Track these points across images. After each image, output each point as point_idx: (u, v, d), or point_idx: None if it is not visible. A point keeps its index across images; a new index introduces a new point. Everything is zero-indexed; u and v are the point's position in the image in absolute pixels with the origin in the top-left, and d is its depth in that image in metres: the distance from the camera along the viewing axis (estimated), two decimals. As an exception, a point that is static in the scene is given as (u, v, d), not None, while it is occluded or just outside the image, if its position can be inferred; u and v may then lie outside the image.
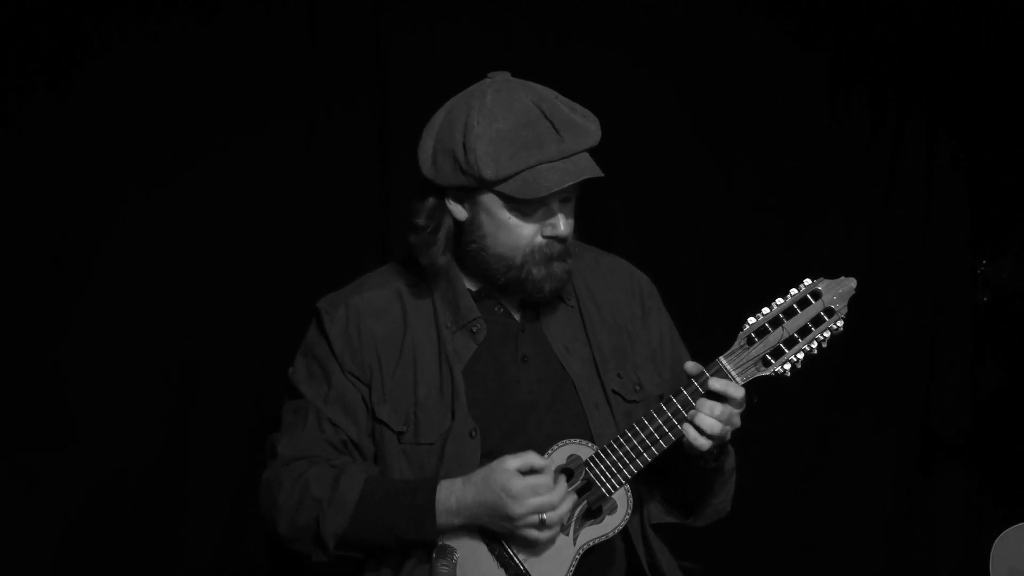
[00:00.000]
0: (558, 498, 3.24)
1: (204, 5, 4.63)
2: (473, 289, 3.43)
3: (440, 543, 3.27)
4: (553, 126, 3.29)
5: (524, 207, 3.31)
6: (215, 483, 4.64)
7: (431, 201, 3.38)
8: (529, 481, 3.22)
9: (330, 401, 3.39)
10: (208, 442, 4.65)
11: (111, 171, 4.59)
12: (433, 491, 3.27)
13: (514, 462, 3.23)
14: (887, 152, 5.13)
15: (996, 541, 4.27)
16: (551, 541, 3.29)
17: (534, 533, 3.25)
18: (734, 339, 3.27)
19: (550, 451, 3.30)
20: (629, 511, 3.31)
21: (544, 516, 3.24)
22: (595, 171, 3.30)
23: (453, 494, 3.26)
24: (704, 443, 3.26)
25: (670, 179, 4.99)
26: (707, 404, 3.26)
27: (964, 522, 5.08)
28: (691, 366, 3.28)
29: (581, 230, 3.42)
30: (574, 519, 3.29)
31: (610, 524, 3.31)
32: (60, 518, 4.56)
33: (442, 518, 3.27)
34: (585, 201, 3.41)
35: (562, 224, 3.33)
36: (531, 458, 3.24)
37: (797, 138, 5.07)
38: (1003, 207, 5.02)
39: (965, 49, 5.06)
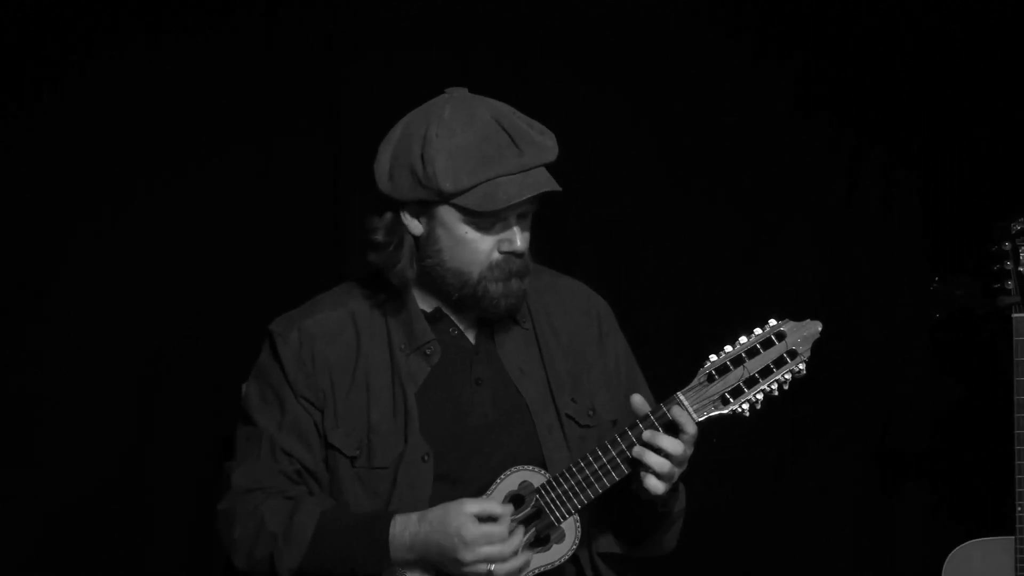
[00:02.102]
0: (510, 550, 3.23)
1: (159, 28, 4.63)
2: (427, 310, 3.42)
3: (390, 567, 3.27)
4: (512, 140, 3.29)
5: (482, 221, 3.31)
6: (178, 497, 4.65)
7: (388, 217, 3.37)
8: (484, 529, 3.21)
9: (284, 428, 3.37)
10: (168, 458, 4.65)
11: (70, 191, 4.59)
12: (387, 525, 3.26)
13: (473, 507, 3.22)
14: (845, 171, 5.13)
15: (948, 557, 4.29)
16: None
17: None
18: (694, 375, 3.26)
19: (502, 476, 3.30)
20: (577, 541, 3.31)
21: (493, 568, 3.23)
22: (553, 185, 3.30)
23: (408, 529, 3.25)
24: (658, 486, 3.25)
25: (629, 198, 4.99)
26: (665, 439, 3.24)
27: (922, 539, 5.09)
28: (637, 402, 3.28)
29: (540, 251, 3.42)
30: (521, 546, 3.28)
31: (557, 552, 3.31)
32: (23, 537, 4.57)
33: (396, 552, 3.26)
34: (544, 221, 3.41)
35: (519, 239, 3.33)
36: (490, 505, 3.23)
37: (756, 157, 5.07)
38: (958, 226, 5.02)
39: (924, 69, 5.06)
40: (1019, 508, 4.16)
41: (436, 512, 3.24)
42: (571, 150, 3.42)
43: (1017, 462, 4.17)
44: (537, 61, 4.87)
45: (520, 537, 3.26)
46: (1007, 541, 4.19)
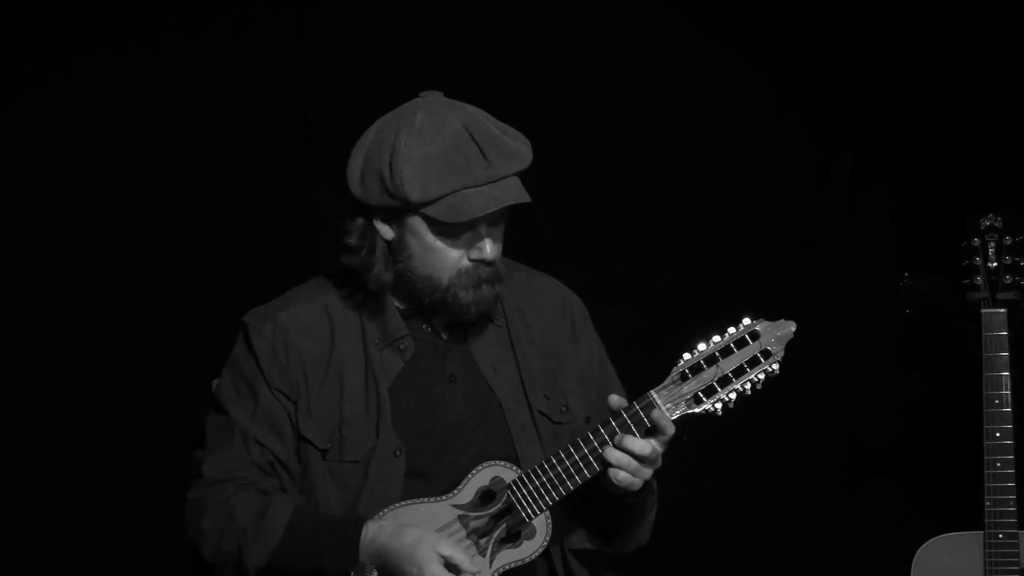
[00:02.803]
0: None
1: (129, 30, 4.63)
2: (401, 307, 3.42)
3: (358, 564, 3.28)
4: (481, 150, 3.29)
5: (450, 230, 3.31)
6: (152, 494, 4.64)
7: (360, 221, 3.37)
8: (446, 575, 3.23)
9: (257, 419, 3.37)
10: (140, 456, 4.64)
11: (41, 191, 4.59)
12: (359, 530, 3.27)
13: (445, 549, 3.23)
14: (816, 169, 5.14)
15: (918, 552, 4.30)
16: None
17: None
18: (667, 373, 3.27)
19: (474, 471, 3.31)
20: (548, 538, 3.32)
21: None
22: (522, 197, 3.30)
23: (378, 538, 3.26)
24: (630, 481, 3.27)
25: (601, 197, 4.99)
26: (636, 442, 3.25)
27: (892, 534, 5.10)
28: (615, 401, 3.28)
29: (514, 249, 3.42)
30: (492, 542, 3.29)
31: (527, 549, 3.32)
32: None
33: (362, 557, 3.27)
34: (519, 221, 3.41)
35: (489, 248, 3.33)
36: (461, 557, 3.24)
37: (728, 155, 5.07)
38: (929, 222, 5.03)
39: (895, 67, 5.07)
40: (988, 503, 4.18)
41: (412, 534, 3.24)
42: (545, 149, 3.41)
43: (986, 457, 4.19)
44: (510, 60, 4.87)
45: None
46: (976, 536, 4.21)
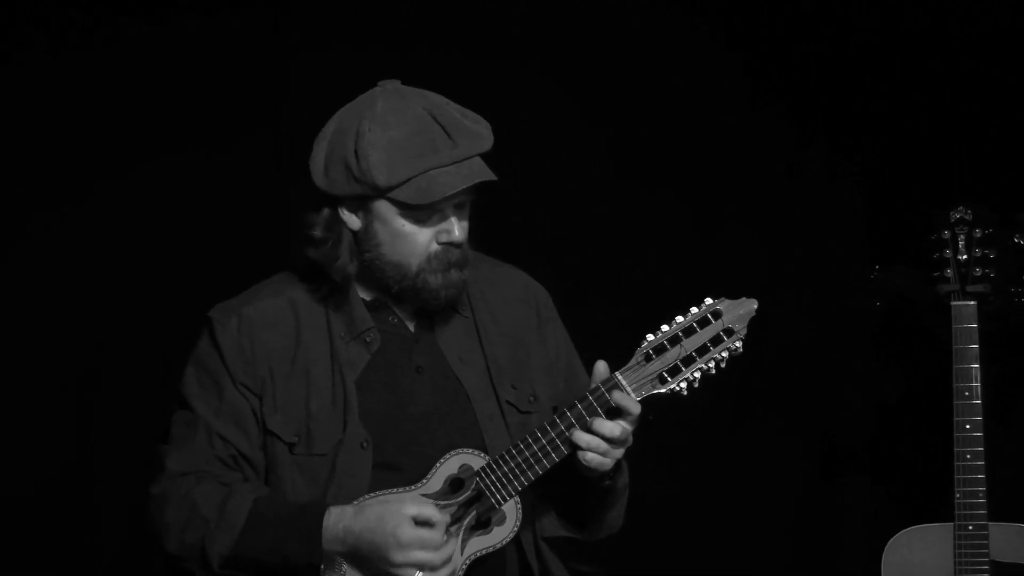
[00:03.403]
0: (440, 560, 3.24)
1: (101, 24, 4.64)
2: (367, 299, 3.42)
3: (329, 561, 3.27)
4: (445, 131, 3.30)
5: (418, 213, 3.31)
6: (124, 490, 4.55)
7: (326, 212, 3.37)
8: (420, 533, 3.22)
9: (221, 414, 3.37)
10: (114, 453, 4.64)
11: (11, 186, 4.59)
12: (321, 515, 3.26)
13: (412, 509, 3.23)
14: (788, 161, 5.15)
15: (888, 544, 4.31)
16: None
17: None
18: (632, 355, 3.28)
19: (442, 460, 3.31)
20: (518, 523, 3.31)
21: (421, 575, 3.24)
22: (488, 175, 3.31)
23: (341, 521, 3.25)
24: (600, 462, 3.27)
25: (566, 186, 5.00)
26: (606, 424, 3.26)
27: (863, 526, 5.11)
28: (602, 367, 3.30)
29: (480, 241, 3.42)
30: (462, 529, 3.29)
31: (498, 535, 3.31)
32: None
33: (327, 544, 3.26)
34: (484, 211, 3.41)
35: (456, 229, 3.34)
36: (430, 510, 3.24)
37: (698, 146, 5.08)
38: (900, 215, 5.04)
39: (867, 61, 5.08)
40: (958, 495, 4.19)
41: (375, 509, 3.24)
42: (514, 140, 3.45)
43: (956, 449, 4.19)
44: (480, 53, 4.88)
45: (453, 546, 3.27)
46: (946, 527, 4.22)
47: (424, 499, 3.26)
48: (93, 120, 4.64)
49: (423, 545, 3.22)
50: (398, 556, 3.22)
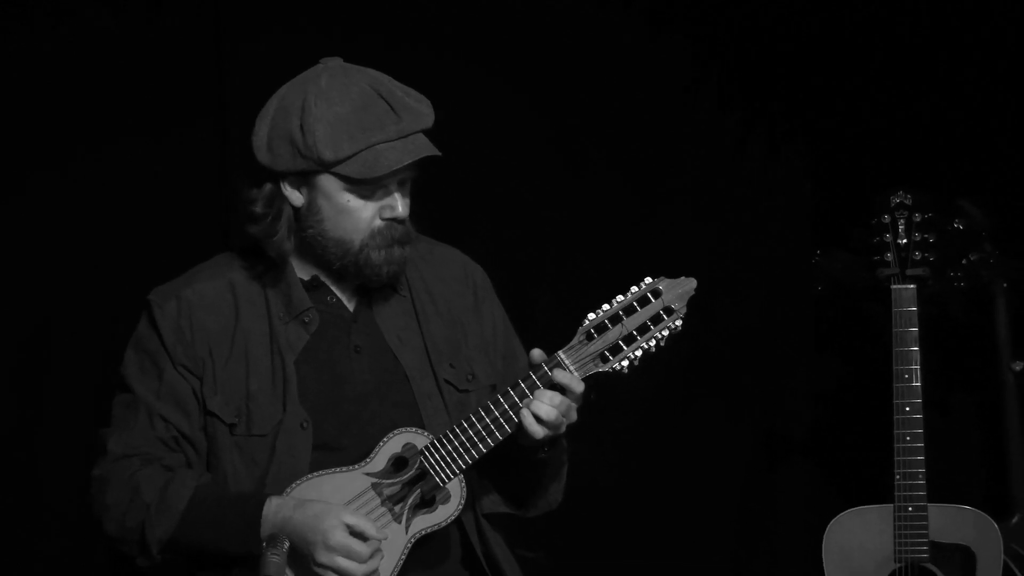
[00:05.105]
0: (362, 573, 3.24)
1: (42, 10, 4.62)
2: (305, 279, 3.43)
3: (271, 532, 3.26)
4: (390, 107, 3.31)
5: (363, 188, 3.32)
6: (67, 479, 4.54)
7: (268, 188, 3.37)
8: (349, 542, 3.23)
9: (162, 396, 3.37)
10: (55, 435, 4.62)
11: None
12: (261, 504, 3.27)
13: (349, 518, 3.24)
14: (731, 145, 5.17)
15: (829, 525, 4.35)
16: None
17: None
18: (574, 334, 3.28)
19: (385, 439, 3.31)
20: (462, 501, 3.32)
21: None
22: (432, 150, 3.33)
23: (280, 512, 3.26)
24: (539, 431, 3.28)
25: (508, 166, 5.00)
26: (546, 394, 3.28)
27: (806, 509, 5.14)
28: (537, 354, 3.31)
29: (420, 222, 3.42)
30: (407, 508, 3.29)
31: (443, 514, 3.32)
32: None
33: (267, 531, 3.27)
34: (425, 193, 3.42)
35: (400, 205, 3.35)
36: (366, 525, 3.25)
37: (642, 129, 5.10)
38: (842, 200, 5.06)
39: (811, 45, 5.10)
40: (897, 476, 4.22)
41: (316, 506, 3.26)
42: (447, 120, 3.43)
43: (896, 431, 4.23)
44: (423, 37, 4.88)
45: (378, 563, 3.27)
46: (886, 509, 4.26)
47: (366, 517, 3.27)
48: (34, 106, 4.62)
49: (348, 554, 3.23)
50: (322, 557, 3.23)
